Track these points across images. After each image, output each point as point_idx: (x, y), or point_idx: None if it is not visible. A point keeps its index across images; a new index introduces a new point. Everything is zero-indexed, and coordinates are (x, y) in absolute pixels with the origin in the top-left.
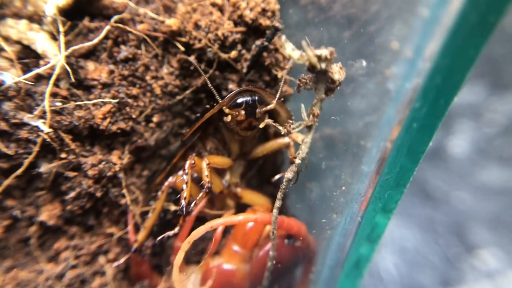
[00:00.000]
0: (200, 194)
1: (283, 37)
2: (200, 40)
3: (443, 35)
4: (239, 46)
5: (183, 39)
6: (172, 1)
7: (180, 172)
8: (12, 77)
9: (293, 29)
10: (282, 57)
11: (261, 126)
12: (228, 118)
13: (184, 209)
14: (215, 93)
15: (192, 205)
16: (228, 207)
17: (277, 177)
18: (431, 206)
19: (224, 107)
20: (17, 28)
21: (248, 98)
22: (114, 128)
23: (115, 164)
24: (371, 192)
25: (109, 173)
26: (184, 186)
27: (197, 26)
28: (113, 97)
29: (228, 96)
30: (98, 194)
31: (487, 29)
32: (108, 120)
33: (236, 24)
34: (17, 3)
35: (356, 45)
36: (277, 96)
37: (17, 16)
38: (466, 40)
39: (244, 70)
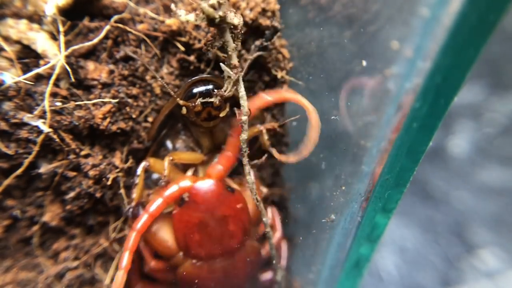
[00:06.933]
0: (154, 189)
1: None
2: (199, 40)
3: (443, 35)
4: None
5: (183, 39)
6: (172, 1)
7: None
8: (12, 77)
9: (293, 29)
10: (282, 57)
11: (222, 115)
12: (184, 111)
13: (131, 210)
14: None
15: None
16: None
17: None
18: (431, 206)
19: (178, 100)
20: (17, 28)
21: (202, 88)
22: (114, 128)
23: (117, 167)
24: (371, 192)
25: (110, 174)
26: (135, 189)
27: (197, 26)
28: (113, 97)
29: (181, 88)
30: (98, 194)
31: (487, 29)
32: (108, 120)
33: None
34: (17, 3)
35: (356, 45)
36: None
37: (17, 16)
38: (466, 40)
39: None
